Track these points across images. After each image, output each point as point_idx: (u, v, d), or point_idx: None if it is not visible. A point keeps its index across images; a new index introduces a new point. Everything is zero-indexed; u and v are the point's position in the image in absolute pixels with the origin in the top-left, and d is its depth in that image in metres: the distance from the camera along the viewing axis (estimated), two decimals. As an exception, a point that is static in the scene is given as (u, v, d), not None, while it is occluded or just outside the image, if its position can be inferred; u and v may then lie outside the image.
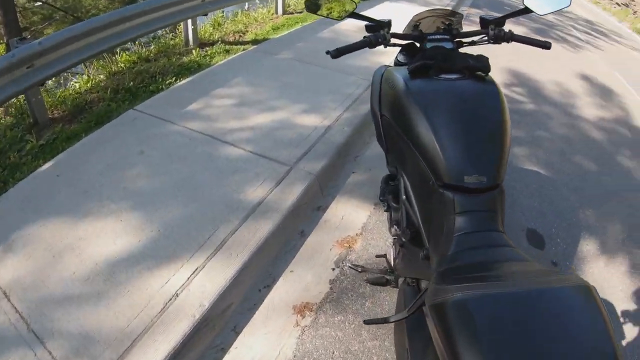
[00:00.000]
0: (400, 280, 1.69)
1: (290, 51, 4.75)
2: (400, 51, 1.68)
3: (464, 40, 1.58)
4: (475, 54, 1.42)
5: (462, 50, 1.54)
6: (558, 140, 4.31)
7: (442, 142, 1.18)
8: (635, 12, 22.56)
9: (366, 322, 1.26)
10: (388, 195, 1.69)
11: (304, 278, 2.17)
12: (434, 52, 1.41)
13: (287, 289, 2.11)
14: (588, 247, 2.89)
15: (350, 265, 2.14)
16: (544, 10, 1.57)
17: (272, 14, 6.68)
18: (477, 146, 1.21)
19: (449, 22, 1.65)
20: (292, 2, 7.29)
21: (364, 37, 1.51)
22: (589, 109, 5.45)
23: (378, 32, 1.50)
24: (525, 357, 0.68)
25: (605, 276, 2.67)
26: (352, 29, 5.50)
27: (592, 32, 13.43)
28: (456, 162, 1.16)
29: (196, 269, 2.00)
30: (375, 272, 2.01)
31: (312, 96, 3.71)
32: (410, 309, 1.01)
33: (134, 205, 2.38)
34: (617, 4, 25.44)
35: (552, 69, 6.58)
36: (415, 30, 1.62)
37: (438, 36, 1.53)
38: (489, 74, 1.40)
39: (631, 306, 2.52)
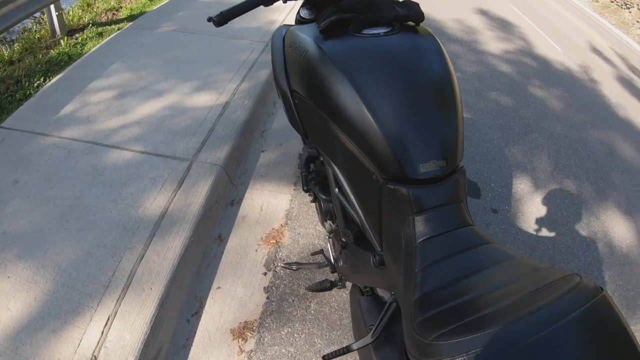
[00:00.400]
0: (349, 284, 1.46)
1: (171, 22, 4.16)
2: (303, 4, 1.31)
3: None
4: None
5: None
6: (471, 79, 4.28)
7: (382, 121, 0.89)
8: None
9: (325, 358, 1.05)
10: (311, 183, 1.37)
11: (234, 293, 1.86)
12: (351, 2, 1.06)
13: (219, 311, 1.80)
14: (522, 185, 2.84)
15: (282, 264, 1.91)
16: None
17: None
18: (428, 120, 0.91)
19: None
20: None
21: None
22: (493, 43, 5.53)
23: None
24: None
25: (542, 213, 2.63)
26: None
27: None
28: (403, 146, 0.88)
29: (108, 318, 1.62)
30: (312, 266, 1.78)
31: (203, 70, 3.27)
32: (375, 332, 0.89)
33: (20, 254, 1.86)
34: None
35: (450, 8, 6.60)
36: None
37: None
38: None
39: (573, 235, 2.53)
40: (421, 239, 0.85)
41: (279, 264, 1.94)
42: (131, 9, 4.74)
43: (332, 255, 1.50)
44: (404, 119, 0.89)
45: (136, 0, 5.11)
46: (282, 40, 1.28)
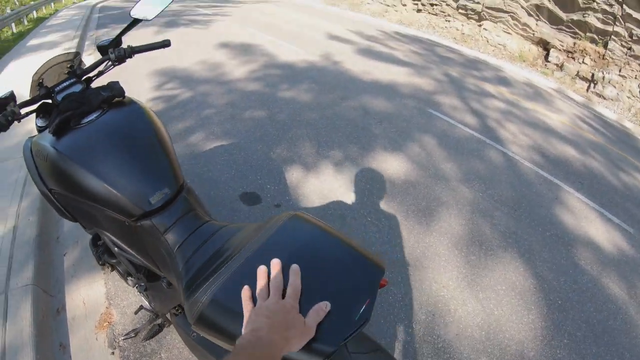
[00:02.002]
0: (169, 316, 1.66)
1: None
2: (37, 116, 1.51)
3: (92, 75, 1.54)
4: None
5: (95, 85, 1.49)
6: (224, 109, 4.61)
7: (113, 181, 1.17)
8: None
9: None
10: (103, 256, 1.60)
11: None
12: (66, 102, 1.33)
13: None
14: (295, 174, 3.35)
15: (122, 338, 2.02)
16: (153, 13, 1.59)
17: None
18: (144, 166, 1.23)
19: (70, 64, 1.54)
20: None
21: None
22: (238, 69, 5.97)
23: (4, 110, 1.31)
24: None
25: (320, 186, 3.17)
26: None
27: (217, 3, 14.84)
28: (134, 192, 1.17)
29: None
30: (146, 326, 1.91)
31: None
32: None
33: None
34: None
35: (193, 52, 7.01)
36: (41, 88, 1.45)
37: (65, 84, 1.44)
38: (128, 94, 1.41)
39: (357, 190, 2.96)
40: (176, 247, 1.12)
41: (120, 339, 2.05)
42: None
43: (148, 303, 1.67)
44: (126, 172, 1.18)
45: None
46: (30, 151, 1.47)
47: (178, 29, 9.32)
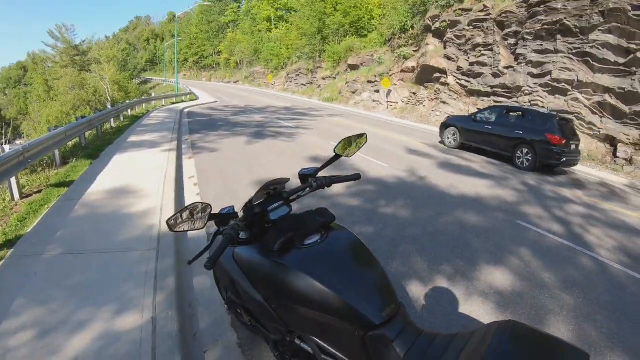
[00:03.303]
0: None
1: (55, 245, 3.98)
2: (240, 228, 1.61)
3: (293, 197, 1.74)
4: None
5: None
6: None
7: (349, 295, 1.31)
8: (319, 86, 28.52)
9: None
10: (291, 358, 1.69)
11: None
12: (287, 223, 1.52)
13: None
14: (413, 289, 3.65)
15: None
16: (353, 152, 1.84)
17: (10, 201, 5.58)
18: (373, 283, 1.39)
19: (274, 187, 1.72)
20: (22, 180, 6.24)
21: (218, 233, 1.55)
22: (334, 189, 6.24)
23: (229, 223, 1.51)
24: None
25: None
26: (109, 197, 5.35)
27: (296, 117, 15.76)
28: (369, 306, 1.30)
29: None
30: None
31: (112, 291, 3.15)
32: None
33: None
34: (302, 84, 31.76)
35: (286, 165, 7.60)
36: (253, 206, 1.64)
37: (276, 205, 1.63)
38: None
39: None
40: (403, 355, 1.25)
41: None
42: (4, 233, 4.35)
43: None
44: (361, 287, 1.34)
45: (5, 222, 4.78)
46: (233, 261, 1.68)
47: (265, 141, 10.02)
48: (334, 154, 1.79)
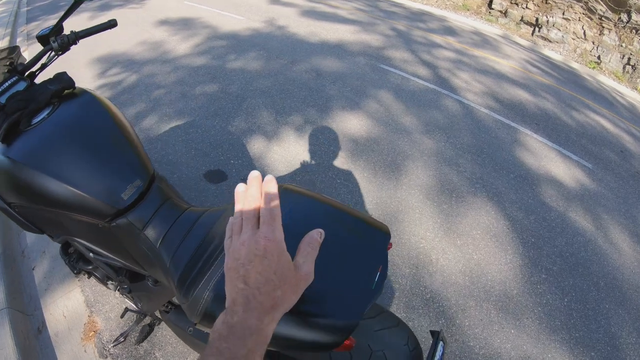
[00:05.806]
0: (159, 313, 1.59)
1: None
2: None
3: (34, 69, 1.40)
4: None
5: (39, 80, 1.35)
6: (173, 88, 4.27)
7: (77, 183, 1.07)
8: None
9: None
10: (77, 264, 1.51)
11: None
12: (11, 103, 1.20)
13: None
14: (256, 144, 3.25)
15: (112, 344, 1.92)
16: None
17: None
18: (109, 160, 1.14)
19: (9, 61, 1.40)
20: None
21: None
22: (181, 45, 5.63)
23: None
24: None
25: (282, 154, 3.10)
26: None
27: None
28: (103, 190, 1.08)
29: None
30: (134, 328, 1.89)
31: None
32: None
33: None
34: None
35: (132, 33, 6.33)
36: None
37: (6, 84, 1.29)
38: (78, 85, 1.31)
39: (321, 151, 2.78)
40: (159, 242, 1.05)
41: (110, 346, 1.93)
42: None
43: (134, 305, 1.61)
44: (92, 169, 1.08)
45: None
46: None
47: (112, 12, 8.65)
48: (72, 0, 1.39)
